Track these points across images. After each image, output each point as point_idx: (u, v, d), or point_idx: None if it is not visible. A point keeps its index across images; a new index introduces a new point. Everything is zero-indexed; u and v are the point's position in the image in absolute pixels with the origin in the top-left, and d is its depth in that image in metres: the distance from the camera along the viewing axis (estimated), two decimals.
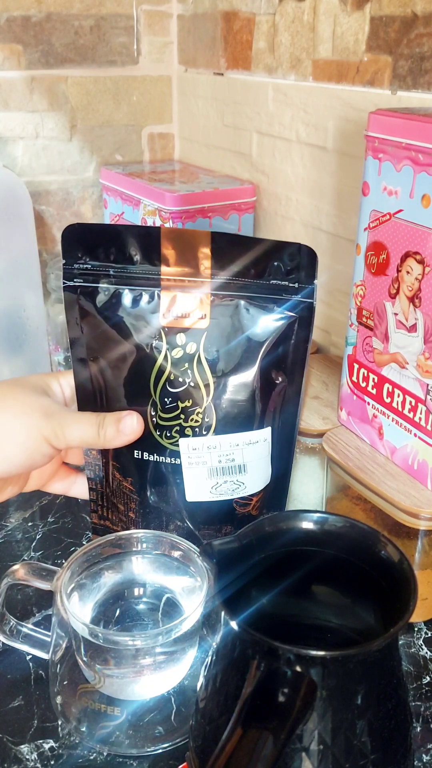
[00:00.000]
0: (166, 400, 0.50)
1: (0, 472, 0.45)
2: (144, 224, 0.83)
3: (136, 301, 0.49)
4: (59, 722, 0.45)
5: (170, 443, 0.50)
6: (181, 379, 0.50)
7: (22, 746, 0.44)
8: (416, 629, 0.53)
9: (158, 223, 0.80)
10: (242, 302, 0.49)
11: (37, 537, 0.61)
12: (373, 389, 0.54)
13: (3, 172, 0.75)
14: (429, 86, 0.59)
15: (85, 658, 0.43)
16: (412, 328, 0.49)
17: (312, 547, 0.39)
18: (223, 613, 0.33)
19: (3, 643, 0.47)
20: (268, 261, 0.48)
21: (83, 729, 0.44)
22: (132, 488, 0.53)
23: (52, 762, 0.43)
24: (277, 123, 0.77)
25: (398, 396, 0.51)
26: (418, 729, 0.45)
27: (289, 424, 0.52)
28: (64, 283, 0.50)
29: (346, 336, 0.56)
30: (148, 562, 0.49)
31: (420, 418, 0.50)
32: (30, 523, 0.63)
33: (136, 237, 0.49)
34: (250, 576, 0.38)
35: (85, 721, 0.44)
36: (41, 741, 0.44)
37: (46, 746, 0.44)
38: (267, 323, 0.49)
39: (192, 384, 0.49)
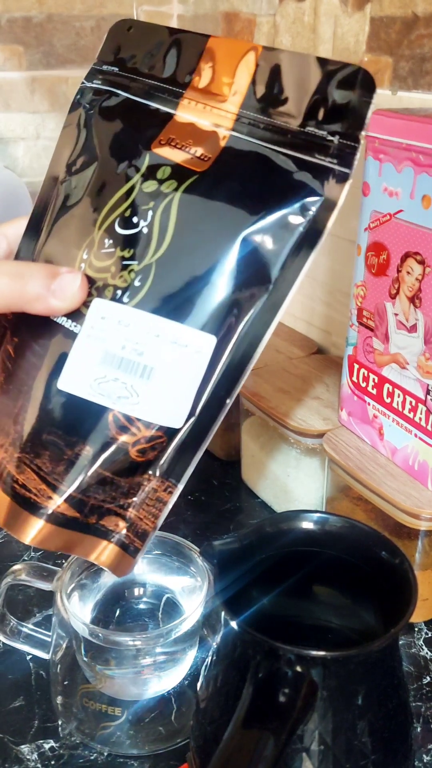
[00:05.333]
0: (106, 241, 0.38)
1: None
2: None
3: (142, 116, 0.40)
4: (60, 722, 0.45)
5: (83, 303, 0.38)
6: (135, 220, 0.38)
7: (23, 746, 0.44)
8: (417, 630, 0.53)
9: None
10: (259, 158, 0.36)
11: None
12: (373, 390, 0.54)
13: (4, 172, 0.76)
14: (430, 87, 0.59)
15: (85, 659, 0.43)
16: (413, 329, 0.49)
17: (312, 548, 0.39)
18: (223, 614, 0.33)
19: (4, 643, 0.47)
20: (313, 94, 0.35)
21: (84, 729, 0.44)
22: (11, 353, 0.40)
23: (53, 762, 0.43)
24: None
25: (398, 396, 0.51)
26: (419, 729, 0.45)
27: (246, 347, 0.36)
28: (83, 83, 0.42)
29: (347, 336, 0.56)
30: (148, 562, 0.49)
31: (420, 419, 0.50)
32: None
33: (179, 46, 0.39)
34: (250, 576, 0.38)
35: (86, 722, 0.44)
36: (42, 741, 0.44)
37: (47, 746, 0.44)
38: (274, 197, 0.36)
39: (145, 230, 0.37)
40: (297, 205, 0.35)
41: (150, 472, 0.37)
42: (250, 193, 0.36)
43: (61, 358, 0.37)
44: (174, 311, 0.36)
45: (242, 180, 0.36)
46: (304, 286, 0.78)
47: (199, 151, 0.37)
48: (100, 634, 0.41)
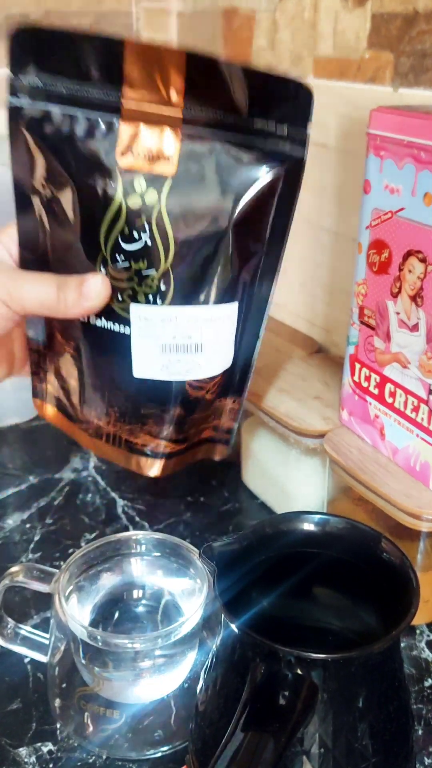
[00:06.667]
0: (117, 257, 0.43)
1: None
2: None
3: (90, 131, 0.41)
4: (58, 725, 0.44)
5: (120, 308, 0.44)
6: (136, 235, 0.42)
7: (21, 749, 0.43)
8: (418, 632, 0.52)
9: None
10: (218, 146, 0.40)
11: (35, 539, 0.61)
12: (374, 389, 0.54)
13: (0, 170, 0.75)
14: (431, 83, 0.58)
15: (83, 661, 0.42)
16: (414, 328, 0.48)
17: (313, 549, 0.39)
18: (223, 616, 0.33)
19: (1, 646, 0.47)
20: (253, 97, 0.39)
21: (82, 732, 0.43)
22: (75, 353, 0.47)
23: (51, 765, 0.42)
24: None
25: (400, 396, 0.51)
26: (420, 732, 0.45)
27: (259, 302, 0.45)
28: (10, 102, 0.42)
29: (348, 335, 0.55)
30: (147, 564, 0.48)
31: (422, 419, 0.49)
32: (28, 525, 0.62)
33: (96, 48, 0.39)
34: (250, 578, 0.37)
35: (84, 725, 0.43)
36: (40, 744, 0.44)
37: (45, 749, 0.43)
38: (246, 176, 0.41)
39: (149, 242, 0.42)
40: (266, 183, 0.41)
41: (222, 399, 0.49)
42: (222, 184, 0.41)
43: (125, 356, 0.45)
44: (201, 297, 0.43)
45: (210, 175, 0.41)
46: (304, 285, 0.77)
47: (161, 154, 0.41)
48: (98, 637, 0.41)
